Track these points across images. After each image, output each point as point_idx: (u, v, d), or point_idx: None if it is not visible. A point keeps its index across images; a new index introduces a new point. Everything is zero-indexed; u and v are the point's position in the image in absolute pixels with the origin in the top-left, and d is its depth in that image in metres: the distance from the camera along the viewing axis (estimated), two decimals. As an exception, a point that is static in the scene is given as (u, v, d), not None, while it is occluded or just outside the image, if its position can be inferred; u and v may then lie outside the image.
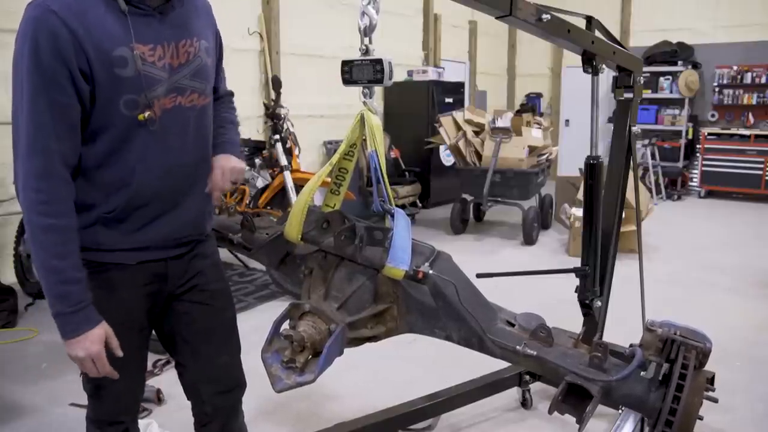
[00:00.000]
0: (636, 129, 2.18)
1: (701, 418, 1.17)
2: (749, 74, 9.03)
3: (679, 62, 9.31)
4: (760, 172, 8.61)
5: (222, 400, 1.68)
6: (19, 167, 1.30)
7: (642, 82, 2.17)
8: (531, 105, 8.27)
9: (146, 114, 1.37)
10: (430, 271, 1.34)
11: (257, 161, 4.75)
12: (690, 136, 9.40)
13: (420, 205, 7.46)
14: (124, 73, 1.32)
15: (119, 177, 1.40)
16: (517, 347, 1.30)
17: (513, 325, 1.39)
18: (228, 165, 1.61)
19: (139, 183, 1.41)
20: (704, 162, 9.11)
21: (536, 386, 2.86)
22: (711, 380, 1.24)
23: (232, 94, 1.78)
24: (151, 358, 3.11)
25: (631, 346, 1.28)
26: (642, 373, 1.23)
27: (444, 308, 1.35)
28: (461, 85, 8.70)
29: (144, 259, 1.48)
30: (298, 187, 4.31)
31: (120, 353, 1.41)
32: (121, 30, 1.32)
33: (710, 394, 1.21)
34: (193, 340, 1.63)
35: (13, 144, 1.32)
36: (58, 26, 1.24)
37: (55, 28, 1.24)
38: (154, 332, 1.66)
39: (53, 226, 1.32)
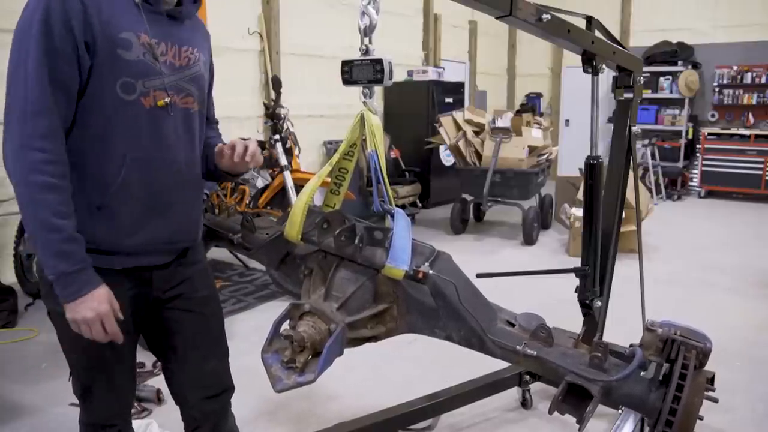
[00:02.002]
0: (636, 129, 2.18)
1: (701, 418, 1.16)
2: (749, 74, 9.03)
3: (679, 62, 9.31)
4: (760, 172, 8.61)
5: (210, 405, 1.68)
6: (17, 129, 1.28)
7: (642, 82, 2.16)
8: (531, 105, 8.27)
9: (167, 100, 1.42)
10: (430, 271, 1.33)
11: (257, 161, 4.74)
12: (690, 136, 9.41)
13: (420, 205, 7.46)
14: (126, 56, 1.36)
15: (110, 163, 1.39)
16: (518, 347, 1.30)
17: (513, 325, 1.39)
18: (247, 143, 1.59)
19: (130, 172, 1.40)
20: (704, 162, 9.11)
21: (536, 386, 2.86)
22: (711, 380, 1.24)
23: (218, 122, 1.83)
24: (152, 357, 3.11)
25: (631, 346, 1.27)
26: (642, 373, 1.23)
27: (444, 308, 1.35)
28: (461, 85, 8.70)
29: (130, 266, 1.47)
30: (298, 187, 4.31)
31: (121, 316, 1.40)
32: (131, 18, 1.38)
33: (710, 394, 1.21)
34: (181, 347, 1.63)
35: (6, 108, 1.29)
36: None
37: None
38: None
39: (57, 186, 1.30)
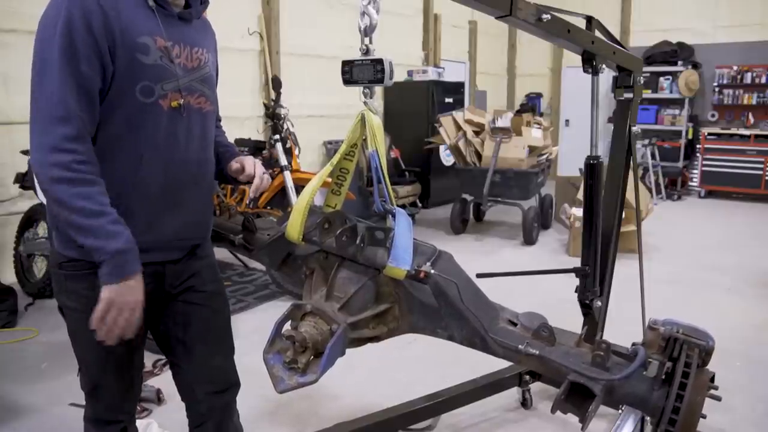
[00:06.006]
0: (636, 129, 2.18)
1: (704, 417, 1.16)
2: (749, 74, 9.04)
3: (679, 62, 9.32)
4: (760, 172, 8.61)
5: (216, 401, 1.70)
6: (45, 135, 1.29)
7: (642, 82, 2.17)
8: (531, 105, 8.29)
9: (181, 101, 1.44)
10: (432, 271, 1.33)
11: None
12: (690, 136, 9.41)
13: (420, 205, 7.46)
14: (145, 60, 1.38)
15: (127, 163, 1.42)
16: (520, 347, 1.30)
17: (515, 325, 1.38)
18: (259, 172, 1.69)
19: (145, 171, 1.43)
20: (704, 162, 9.11)
21: (536, 386, 2.86)
22: (711, 380, 1.24)
23: (220, 119, 1.85)
24: (152, 357, 3.12)
25: (633, 344, 1.27)
26: (644, 371, 1.23)
27: (446, 308, 1.35)
28: (461, 85, 8.70)
29: (145, 261, 1.48)
30: (298, 188, 4.31)
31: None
32: (147, 22, 1.40)
33: (713, 392, 1.21)
34: (188, 340, 1.64)
35: (33, 115, 1.32)
36: (92, 2, 1.31)
37: (88, 4, 1.30)
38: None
39: (94, 181, 1.33)
